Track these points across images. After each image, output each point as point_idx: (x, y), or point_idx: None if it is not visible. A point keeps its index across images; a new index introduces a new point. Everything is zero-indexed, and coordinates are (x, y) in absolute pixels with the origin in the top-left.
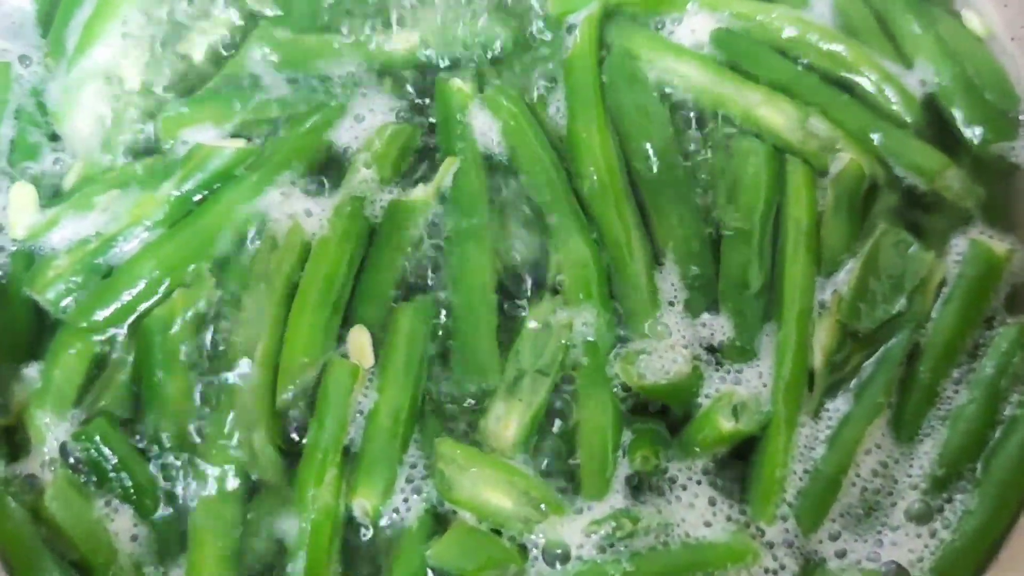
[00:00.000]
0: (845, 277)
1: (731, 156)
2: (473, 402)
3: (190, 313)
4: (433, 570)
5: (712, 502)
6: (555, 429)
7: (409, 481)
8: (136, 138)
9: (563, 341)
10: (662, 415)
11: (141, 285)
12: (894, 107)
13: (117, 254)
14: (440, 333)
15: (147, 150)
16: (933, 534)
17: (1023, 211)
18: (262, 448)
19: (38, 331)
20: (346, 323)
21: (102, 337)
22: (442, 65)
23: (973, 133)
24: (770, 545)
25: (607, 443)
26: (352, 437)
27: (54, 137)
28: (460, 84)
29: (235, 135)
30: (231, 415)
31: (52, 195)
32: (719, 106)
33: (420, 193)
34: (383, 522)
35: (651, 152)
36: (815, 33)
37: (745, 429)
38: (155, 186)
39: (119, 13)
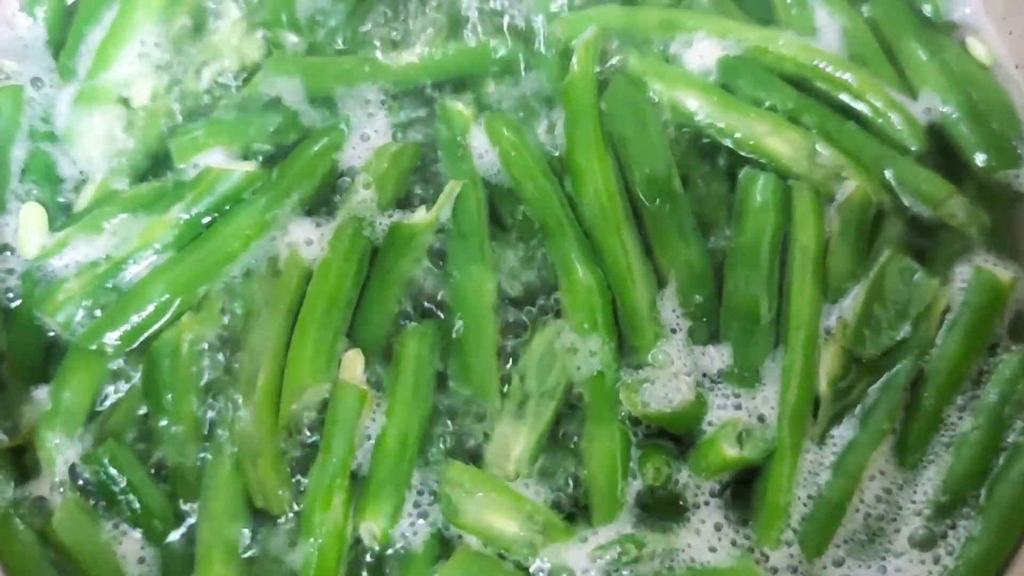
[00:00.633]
0: (850, 303)
1: (737, 184)
2: (478, 426)
3: (198, 336)
4: None
5: (718, 527)
6: (562, 452)
7: (416, 506)
8: (148, 161)
9: (568, 365)
10: (671, 437)
11: (150, 308)
12: (900, 135)
13: (127, 277)
14: (444, 355)
15: (158, 173)
16: (937, 560)
17: None
18: (266, 475)
19: (48, 353)
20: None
21: (111, 359)
22: (445, 86)
23: (978, 161)
24: (774, 570)
25: (616, 470)
26: (359, 461)
27: (66, 159)
28: (460, 107)
29: (246, 157)
30: (237, 440)
31: (63, 217)
32: (724, 134)
33: (421, 216)
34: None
35: (655, 179)
36: (822, 60)
37: (749, 457)
38: (165, 209)
39: (133, 36)
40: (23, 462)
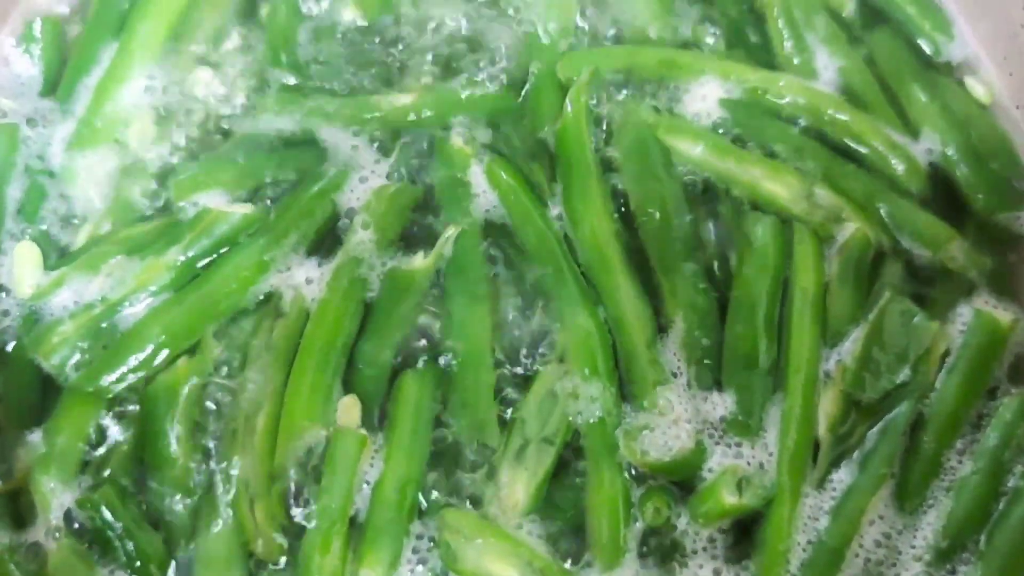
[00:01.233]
0: (850, 346)
1: (737, 229)
2: (478, 470)
3: (194, 381)
4: None
5: (717, 572)
6: (563, 497)
7: (415, 551)
8: (145, 200)
9: (569, 410)
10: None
11: (147, 351)
12: (900, 177)
13: (123, 319)
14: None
15: (156, 212)
16: None
17: None
18: (263, 519)
19: (43, 395)
20: (347, 390)
21: (107, 402)
22: (444, 125)
23: (978, 202)
24: None
25: (617, 516)
26: (358, 507)
27: (62, 199)
28: (461, 144)
29: (244, 197)
30: (233, 485)
31: (59, 256)
32: (723, 180)
33: (419, 262)
34: None
35: (661, 222)
36: (822, 102)
37: (749, 504)
38: (162, 250)
39: (131, 75)
40: (18, 506)
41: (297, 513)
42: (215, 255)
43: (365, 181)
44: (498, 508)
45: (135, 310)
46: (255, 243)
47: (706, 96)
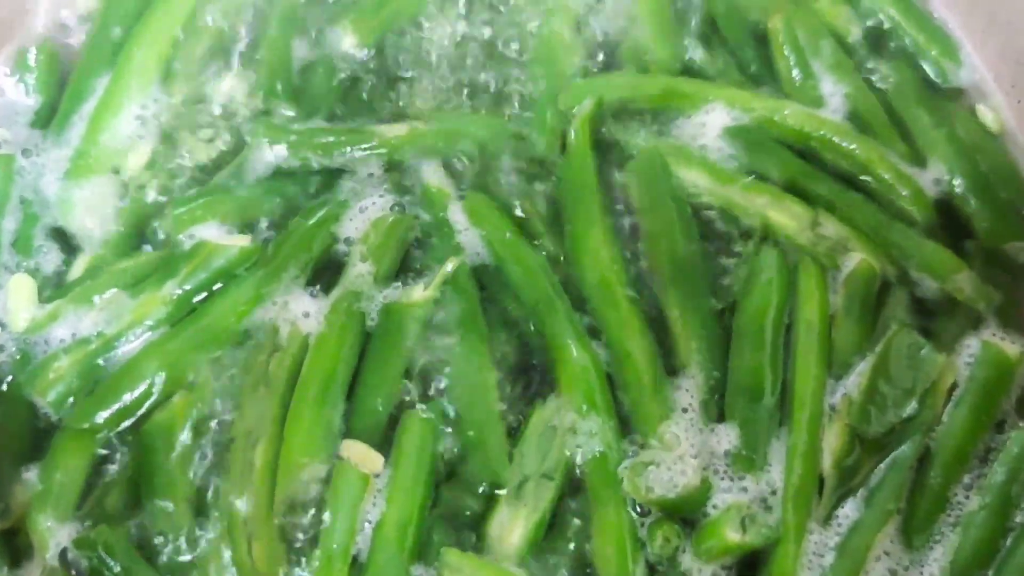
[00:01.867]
0: (856, 379)
1: (742, 260)
2: (479, 507)
3: (190, 417)
4: None
5: None
6: (566, 534)
7: None
8: (142, 232)
9: (567, 445)
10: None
11: (143, 386)
12: (907, 206)
13: (119, 353)
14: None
15: (153, 244)
16: None
17: None
18: (262, 559)
19: (38, 432)
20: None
21: (103, 439)
22: (438, 159)
23: (986, 232)
24: None
25: (625, 554)
26: (359, 547)
27: (57, 230)
28: (438, 184)
29: (242, 229)
30: (232, 523)
31: (54, 289)
32: (728, 209)
33: (418, 295)
34: None
35: (668, 252)
36: (828, 131)
37: (753, 543)
38: (158, 284)
39: (127, 105)
40: (14, 544)
41: (297, 553)
42: (212, 289)
43: (363, 212)
44: (498, 546)
45: (132, 345)
46: (252, 277)
47: (710, 124)
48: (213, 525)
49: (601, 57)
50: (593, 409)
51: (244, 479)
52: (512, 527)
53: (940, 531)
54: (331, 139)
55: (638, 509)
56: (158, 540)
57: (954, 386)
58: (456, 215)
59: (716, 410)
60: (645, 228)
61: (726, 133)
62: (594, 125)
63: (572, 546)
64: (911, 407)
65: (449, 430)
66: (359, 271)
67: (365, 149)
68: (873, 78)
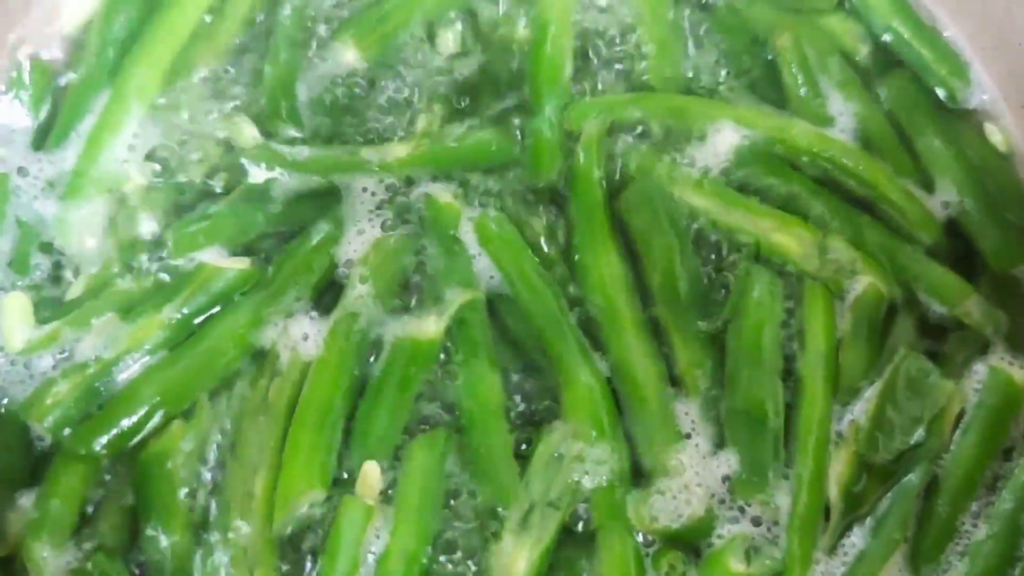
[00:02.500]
0: (863, 405)
1: (740, 283)
2: (484, 537)
3: (189, 444)
4: None
5: None
6: (571, 565)
7: None
8: (140, 253)
9: (575, 473)
10: None
11: (141, 412)
12: (915, 229)
13: (117, 378)
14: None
15: (151, 265)
16: None
17: None
18: None
19: (34, 457)
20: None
21: (100, 466)
22: (443, 176)
23: (994, 255)
24: None
25: None
26: None
27: (54, 251)
28: (448, 199)
29: (241, 251)
30: (231, 552)
31: (51, 310)
32: (733, 231)
33: (431, 330)
34: None
35: (671, 274)
36: (837, 151)
37: (757, 574)
38: (157, 308)
39: (125, 124)
40: (11, 572)
41: None
42: (211, 312)
43: (363, 234)
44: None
45: (130, 370)
46: (252, 299)
47: (718, 144)
48: (213, 553)
49: (605, 76)
50: (602, 436)
51: (244, 507)
52: (517, 557)
53: (948, 561)
54: (331, 160)
55: (643, 537)
56: (157, 569)
57: (962, 412)
58: (463, 235)
59: (721, 436)
60: (645, 252)
61: (734, 152)
62: (601, 144)
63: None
64: (919, 434)
65: (456, 457)
66: (359, 292)
67: (365, 169)
68: (882, 97)
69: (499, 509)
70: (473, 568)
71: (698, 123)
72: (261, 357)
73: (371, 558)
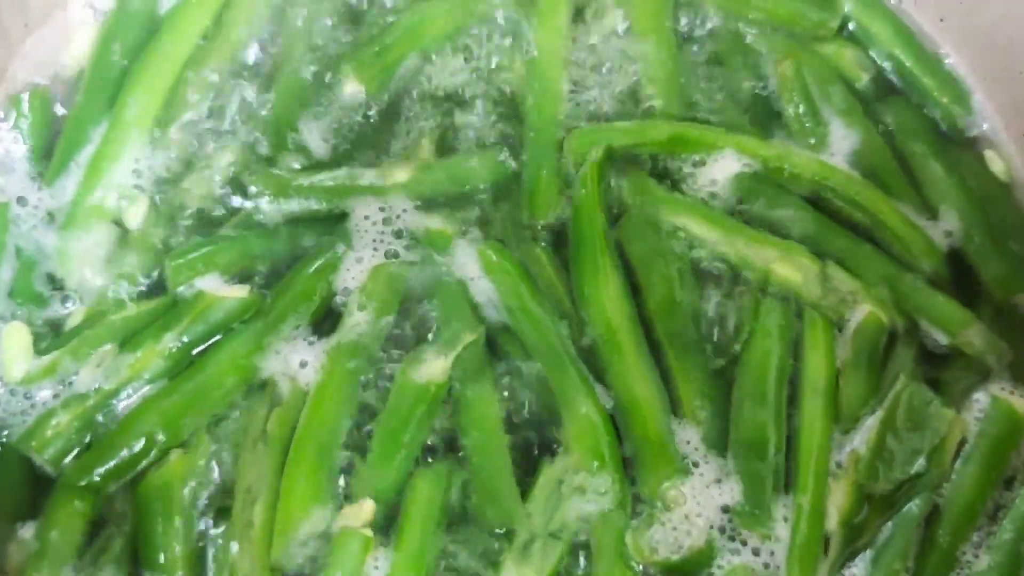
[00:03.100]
0: (863, 435)
1: (744, 313)
2: (485, 567)
3: (188, 474)
4: None
5: None
6: None
7: None
8: (140, 282)
9: (576, 504)
10: None
11: (141, 442)
12: (916, 257)
13: (117, 409)
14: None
15: (151, 294)
16: None
17: None
18: None
19: (34, 489)
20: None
21: (100, 497)
22: (440, 205)
23: (996, 284)
24: None
25: None
26: None
27: (54, 280)
28: (439, 226)
29: (241, 278)
30: None
31: (51, 340)
32: (733, 261)
33: (437, 373)
34: None
35: (671, 304)
36: (838, 180)
37: None
38: (156, 337)
39: (124, 153)
40: None
41: None
42: (211, 340)
43: (361, 261)
44: None
45: (130, 400)
46: (251, 328)
47: (718, 172)
48: None
49: (605, 104)
50: (603, 467)
51: (244, 537)
52: None
53: None
54: (330, 186)
55: (642, 568)
56: None
57: (963, 441)
58: (463, 264)
59: (722, 466)
60: (644, 281)
61: (735, 181)
62: (602, 173)
63: None
64: (920, 464)
65: (458, 489)
66: (356, 320)
67: (365, 196)
68: (883, 125)
69: (500, 539)
70: None
71: (698, 152)
72: (260, 385)
73: None
